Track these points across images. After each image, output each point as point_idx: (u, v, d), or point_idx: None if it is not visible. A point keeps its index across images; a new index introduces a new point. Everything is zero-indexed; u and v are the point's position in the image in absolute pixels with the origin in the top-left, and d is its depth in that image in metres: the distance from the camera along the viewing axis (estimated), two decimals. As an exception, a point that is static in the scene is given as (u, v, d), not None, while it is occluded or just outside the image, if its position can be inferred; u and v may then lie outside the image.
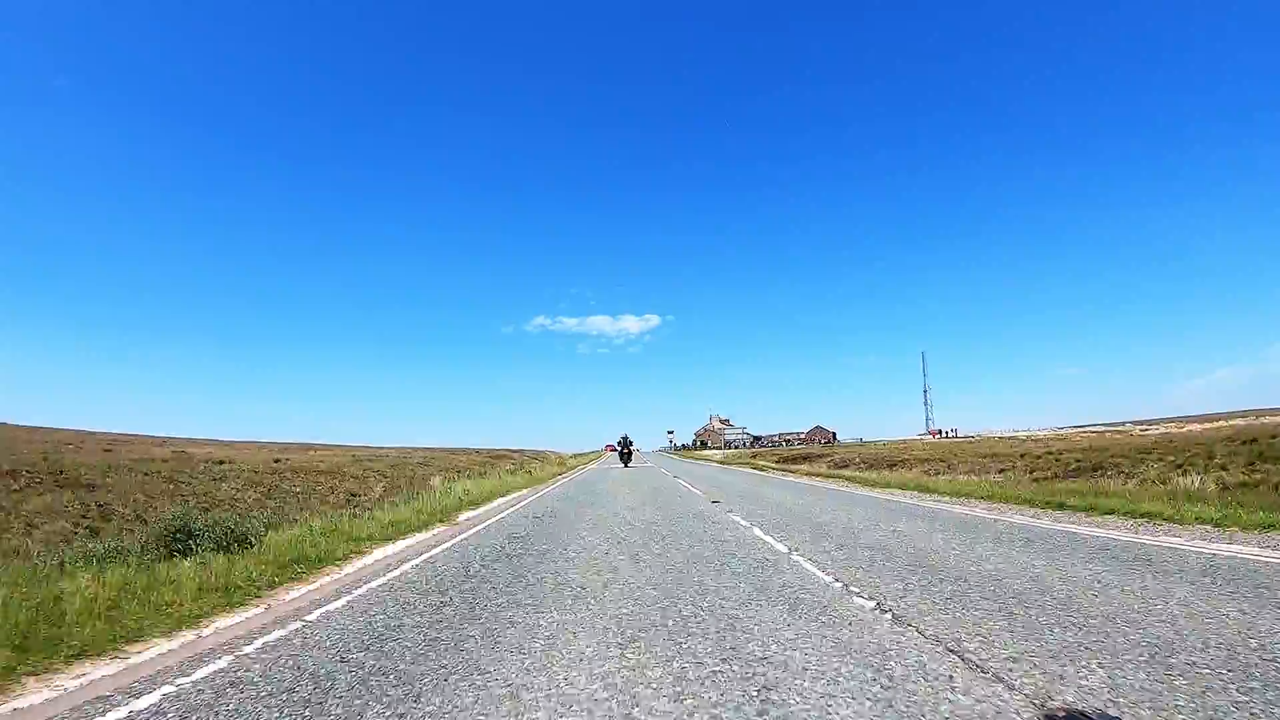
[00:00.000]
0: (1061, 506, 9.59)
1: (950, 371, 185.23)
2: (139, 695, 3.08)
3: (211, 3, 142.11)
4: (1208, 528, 7.33)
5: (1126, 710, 2.53)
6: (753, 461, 44.76)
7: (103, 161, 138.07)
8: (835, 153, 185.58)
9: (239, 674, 3.32)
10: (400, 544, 8.15)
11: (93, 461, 14.07)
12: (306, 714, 2.74)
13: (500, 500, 15.80)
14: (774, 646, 3.48)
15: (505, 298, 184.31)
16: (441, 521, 10.79)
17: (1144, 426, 50.86)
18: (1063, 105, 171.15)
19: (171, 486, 13.64)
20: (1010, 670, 3.02)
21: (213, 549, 6.25)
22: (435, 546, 7.85)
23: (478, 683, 3.05)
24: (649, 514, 11.34)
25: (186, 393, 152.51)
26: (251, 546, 6.53)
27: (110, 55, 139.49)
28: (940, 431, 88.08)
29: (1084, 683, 2.84)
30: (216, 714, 2.78)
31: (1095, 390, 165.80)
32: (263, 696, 2.98)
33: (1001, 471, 18.78)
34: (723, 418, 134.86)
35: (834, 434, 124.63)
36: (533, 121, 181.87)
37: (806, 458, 41.80)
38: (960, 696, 2.72)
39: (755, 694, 2.82)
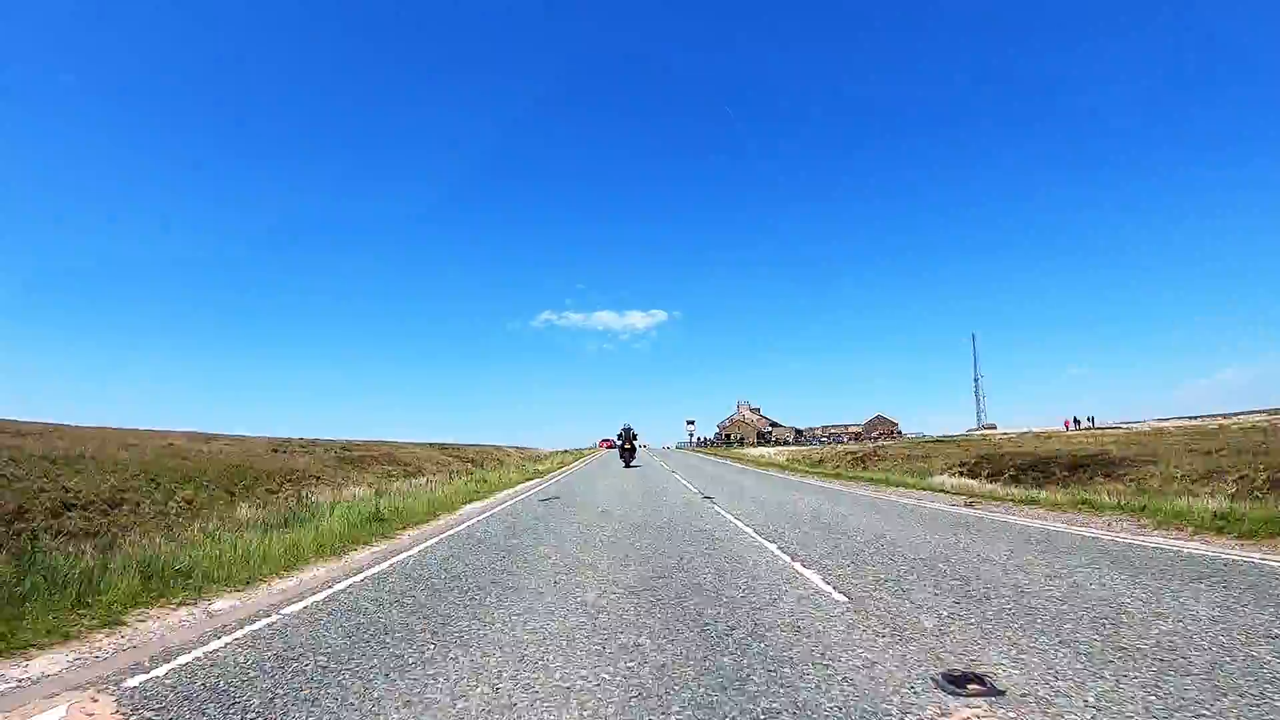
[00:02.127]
0: None
1: (954, 367, 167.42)
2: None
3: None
4: None
5: None
6: (896, 478, 19.95)
7: (106, 157, 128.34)
8: (841, 147, 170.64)
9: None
10: None
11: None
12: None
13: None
14: None
15: (512, 294, 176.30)
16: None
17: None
18: (1061, 103, 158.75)
19: None
20: None
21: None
22: None
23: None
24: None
25: (184, 389, 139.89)
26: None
27: (113, 51, 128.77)
28: (1074, 421, 63.36)
29: None
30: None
31: (1102, 389, 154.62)
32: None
33: None
34: (753, 406, 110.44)
35: (896, 426, 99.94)
36: (536, 117, 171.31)
37: (1080, 462, 16.86)
38: None
39: None
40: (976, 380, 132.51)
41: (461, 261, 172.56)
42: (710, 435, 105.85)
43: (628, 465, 28.79)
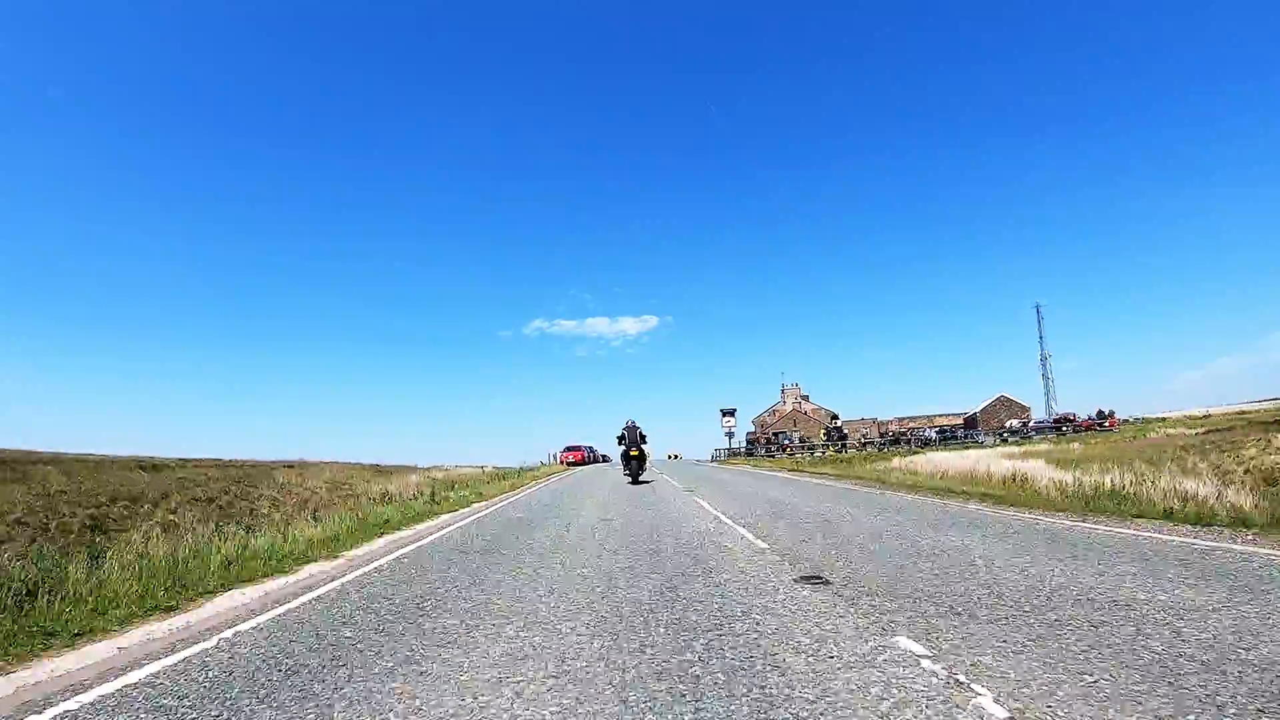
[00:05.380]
0: None
1: (946, 361, 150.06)
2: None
3: (198, 9, 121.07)
4: None
5: None
6: None
7: (97, 171, 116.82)
8: (833, 141, 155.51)
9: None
10: None
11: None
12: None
13: None
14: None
15: (503, 302, 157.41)
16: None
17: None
18: (1049, 92, 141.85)
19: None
20: None
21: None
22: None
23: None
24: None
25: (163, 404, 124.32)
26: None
27: (103, 63, 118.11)
28: None
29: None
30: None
31: (1094, 383, 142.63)
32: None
33: None
34: (804, 393, 78.70)
35: (1028, 411, 68.06)
36: (528, 123, 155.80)
37: None
38: None
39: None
40: (1044, 359, 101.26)
41: (452, 272, 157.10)
42: (748, 432, 73.31)
43: (635, 481, 18.84)
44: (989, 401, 72.97)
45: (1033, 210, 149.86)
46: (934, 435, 40.24)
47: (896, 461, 23.56)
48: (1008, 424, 58.47)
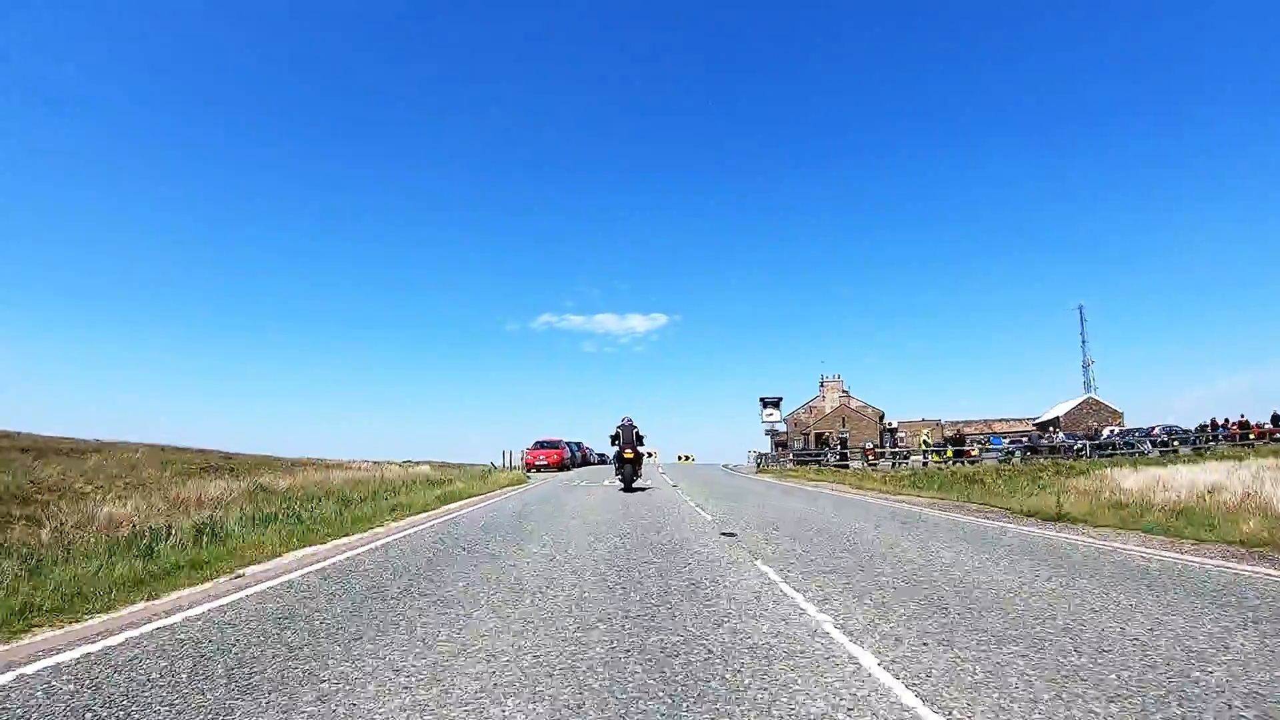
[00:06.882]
0: None
1: (933, 378, 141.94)
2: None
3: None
4: None
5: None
6: None
7: (108, 152, 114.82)
8: (846, 139, 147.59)
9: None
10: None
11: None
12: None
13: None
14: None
15: (511, 296, 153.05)
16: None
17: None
18: (1047, 98, 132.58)
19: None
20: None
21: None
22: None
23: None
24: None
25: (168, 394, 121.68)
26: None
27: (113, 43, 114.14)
28: None
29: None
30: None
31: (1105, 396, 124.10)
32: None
33: None
34: (845, 388, 68.27)
35: (1120, 416, 57.52)
36: (538, 116, 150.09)
37: None
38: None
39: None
40: (1086, 365, 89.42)
41: (460, 262, 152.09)
42: (778, 431, 63.17)
43: (628, 488, 17.61)
44: (1074, 405, 62.26)
45: (1032, 213, 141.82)
46: (1083, 444, 30.17)
47: (1124, 485, 13.59)
48: (1102, 431, 48.02)
